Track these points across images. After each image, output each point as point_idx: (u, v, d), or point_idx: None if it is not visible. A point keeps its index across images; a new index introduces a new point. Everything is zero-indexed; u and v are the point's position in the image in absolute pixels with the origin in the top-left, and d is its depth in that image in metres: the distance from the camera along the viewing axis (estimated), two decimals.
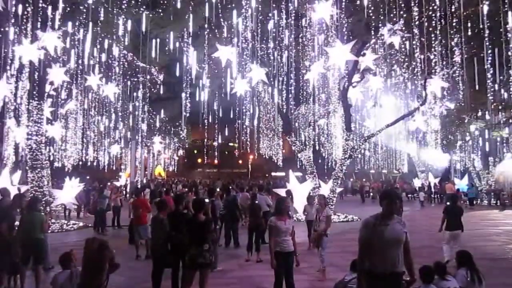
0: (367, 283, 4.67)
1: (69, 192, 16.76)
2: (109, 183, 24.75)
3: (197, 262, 6.41)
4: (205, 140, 44.72)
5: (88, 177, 31.45)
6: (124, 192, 26.82)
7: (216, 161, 72.16)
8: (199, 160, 69.77)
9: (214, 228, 7.54)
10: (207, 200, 10.98)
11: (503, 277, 8.93)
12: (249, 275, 9.42)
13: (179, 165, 54.50)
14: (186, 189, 22.53)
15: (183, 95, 24.81)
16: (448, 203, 14.20)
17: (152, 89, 28.21)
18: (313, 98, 22.11)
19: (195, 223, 6.59)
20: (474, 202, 27.86)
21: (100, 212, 15.87)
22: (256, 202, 11.51)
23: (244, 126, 31.09)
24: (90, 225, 16.96)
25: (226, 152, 63.17)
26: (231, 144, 53.66)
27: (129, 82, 26.21)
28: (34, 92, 17.33)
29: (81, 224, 17.69)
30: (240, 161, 72.57)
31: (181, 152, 48.60)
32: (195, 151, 64.36)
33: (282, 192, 16.18)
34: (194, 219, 6.65)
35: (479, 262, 6.97)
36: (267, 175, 61.38)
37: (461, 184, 30.33)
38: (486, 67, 17.44)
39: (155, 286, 7.48)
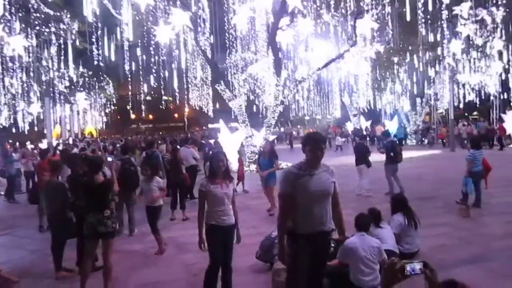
0: (291, 247, 3.88)
1: None
2: (29, 146, 22.71)
3: (97, 231, 5.46)
4: (136, 94, 42.45)
5: (10, 141, 28.90)
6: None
7: (151, 116, 70.04)
8: (133, 116, 67.12)
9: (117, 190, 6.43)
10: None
11: (434, 217, 8.85)
12: (173, 236, 8.64)
13: (111, 122, 51.79)
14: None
15: (97, 44, 22.59)
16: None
17: (68, 40, 25.61)
18: (242, 43, 21.02)
19: (92, 187, 5.57)
20: (403, 142, 28.68)
21: (9, 178, 14.25)
22: (178, 155, 10.56)
23: (174, 78, 29.54)
24: (1, 192, 15.33)
25: (161, 106, 61.06)
26: (165, 97, 51.62)
27: (39, 33, 23.55)
28: None
29: None
30: (176, 115, 70.75)
31: (110, 108, 45.86)
32: (128, 107, 61.28)
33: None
34: (90, 182, 5.60)
35: (411, 202, 6.67)
36: (204, 127, 60.29)
37: (391, 125, 31.09)
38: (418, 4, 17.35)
39: (56, 260, 6.48)
